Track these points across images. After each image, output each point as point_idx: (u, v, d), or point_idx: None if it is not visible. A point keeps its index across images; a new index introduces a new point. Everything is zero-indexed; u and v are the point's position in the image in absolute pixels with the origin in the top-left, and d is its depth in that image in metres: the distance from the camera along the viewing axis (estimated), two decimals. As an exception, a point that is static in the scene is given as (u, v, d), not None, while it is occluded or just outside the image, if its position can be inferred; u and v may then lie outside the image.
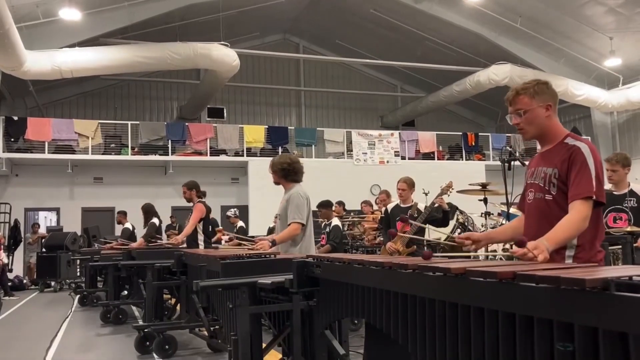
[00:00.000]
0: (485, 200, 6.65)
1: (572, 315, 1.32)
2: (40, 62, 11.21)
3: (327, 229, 7.05)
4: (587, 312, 1.28)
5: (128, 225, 10.13)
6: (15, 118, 13.61)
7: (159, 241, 8.22)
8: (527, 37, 15.39)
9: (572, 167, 2.22)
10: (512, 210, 5.06)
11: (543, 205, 2.31)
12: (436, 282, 1.78)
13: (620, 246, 4.17)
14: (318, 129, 16.44)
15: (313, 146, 15.89)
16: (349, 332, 3.86)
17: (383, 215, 7.64)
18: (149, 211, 8.62)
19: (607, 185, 4.14)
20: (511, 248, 6.16)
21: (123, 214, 10.39)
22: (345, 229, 8.58)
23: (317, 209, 7.17)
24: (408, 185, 5.76)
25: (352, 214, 9.80)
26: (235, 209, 9.91)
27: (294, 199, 4.15)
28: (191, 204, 6.76)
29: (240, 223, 9.67)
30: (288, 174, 4.26)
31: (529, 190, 2.41)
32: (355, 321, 5.78)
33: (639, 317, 1.14)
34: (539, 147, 2.58)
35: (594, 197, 2.16)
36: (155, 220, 8.49)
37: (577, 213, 2.14)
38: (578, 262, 2.18)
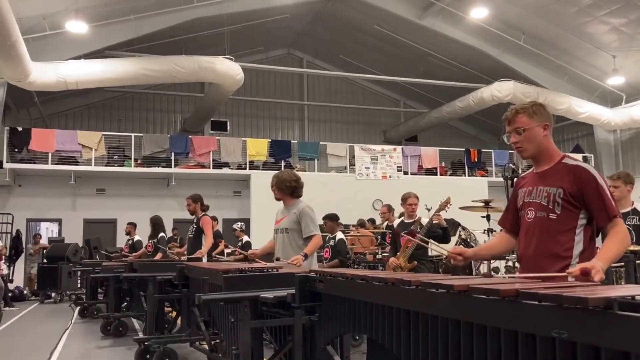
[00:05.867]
0: (488, 217, 6.65)
1: (575, 334, 1.31)
2: (46, 74, 11.29)
3: (332, 242, 7.03)
4: (590, 331, 1.28)
5: (138, 237, 10.11)
6: (20, 129, 13.66)
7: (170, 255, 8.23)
8: (530, 55, 15.47)
9: (586, 189, 2.29)
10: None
11: (547, 223, 2.35)
12: (439, 299, 1.78)
13: (622, 265, 4.15)
14: (321, 143, 16.48)
15: (315, 160, 15.91)
16: (350, 348, 3.84)
17: (387, 230, 7.64)
18: (158, 223, 8.63)
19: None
20: (513, 266, 6.15)
21: (133, 225, 10.31)
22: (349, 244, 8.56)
23: (322, 222, 7.17)
24: (418, 200, 5.79)
25: (351, 230, 9.77)
26: (242, 223, 9.86)
27: (307, 213, 4.28)
28: (193, 217, 6.77)
29: (247, 238, 9.63)
30: (294, 191, 4.41)
31: (528, 208, 2.44)
32: (357, 337, 5.75)
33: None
34: None
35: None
36: (163, 234, 8.53)
37: (621, 231, 2.24)
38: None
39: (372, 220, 10.14)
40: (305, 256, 4.11)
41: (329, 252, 6.99)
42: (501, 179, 12.66)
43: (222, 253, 8.59)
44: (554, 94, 15.46)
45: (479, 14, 14.10)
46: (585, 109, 15.88)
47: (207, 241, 6.55)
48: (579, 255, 2.30)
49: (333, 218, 7.21)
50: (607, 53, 14.74)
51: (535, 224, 2.39)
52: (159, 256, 8.11)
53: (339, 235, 7.11)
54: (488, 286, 1.60)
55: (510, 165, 5.51)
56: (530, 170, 2.61)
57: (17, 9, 9.28)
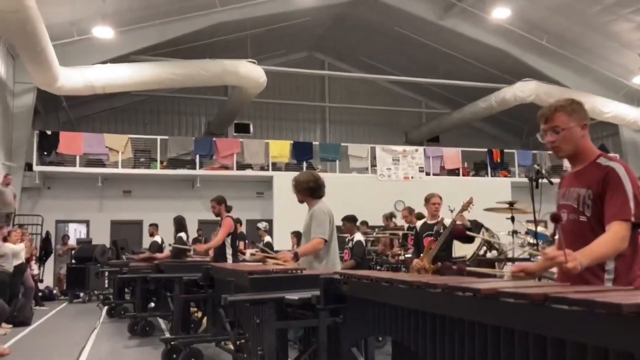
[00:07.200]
0: (512, 219, 6.60)
1: (607, 340, 1.29)
2: (74, 79, 11.52)
3: (350, 244, 7.06)
4: (623, 338, 1.25)
5: (157, 238, 10.26)
6: (49, 132, 13.96)
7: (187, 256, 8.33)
8: (553, 54, 15.26)
9: (607, 188, 2.16)
10: (540, 228, 5.02)
11: (577, 226, 2.25)
12: (466, 303, 1.77)
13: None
14: (342, 144, 16.48)
15: (337, 161, 15.93)
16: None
17: (409, 232, 7.63)
18: (179, 223, 8.76)
19: None
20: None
21: (155, 226, 10.50)
22: (369, 245, 8.55)
23: (341, 223, 7.19)
24: (442, 200, 5.78)
25: (376, 230, 9.79)
26: (266, 223, 9.95)
27: (316, 215, 4.22)
28: (219, 218, 6.85)
29: (268, 238, 9.71)
30: (314, 192, 4.33)
31: (562, 211, 2.34)
32: (380, 338, 5.76)
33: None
34: (565, 164, 2.53)
35: (633, 219, 2.10)
36: (182, 235, 8.62)
37: (614, 233, 2.08)
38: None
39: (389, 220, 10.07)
40: (296, 255, 4.10)
41: (348, 254, 7.02)
42: (525, 180, 12.52)
43: (242, 252, 8.71)
44: (578, 94, 15.20)
45: (501, 14, 13.97)
46: (610, 109, 15.59)
47: (214, 241, 6.65)
48: (614, 259, 2.15)
49: (352, 219, 7.22)
50: (633, 51, 14.46)
51: (567, 228, 2.27)
52: (165, 254, 8.19)
53: (357, 237, 7.11)
54: (516, 290, 1.59)
55: (535, 166, 5.47)
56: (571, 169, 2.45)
57: (46, 16, 9.50)
